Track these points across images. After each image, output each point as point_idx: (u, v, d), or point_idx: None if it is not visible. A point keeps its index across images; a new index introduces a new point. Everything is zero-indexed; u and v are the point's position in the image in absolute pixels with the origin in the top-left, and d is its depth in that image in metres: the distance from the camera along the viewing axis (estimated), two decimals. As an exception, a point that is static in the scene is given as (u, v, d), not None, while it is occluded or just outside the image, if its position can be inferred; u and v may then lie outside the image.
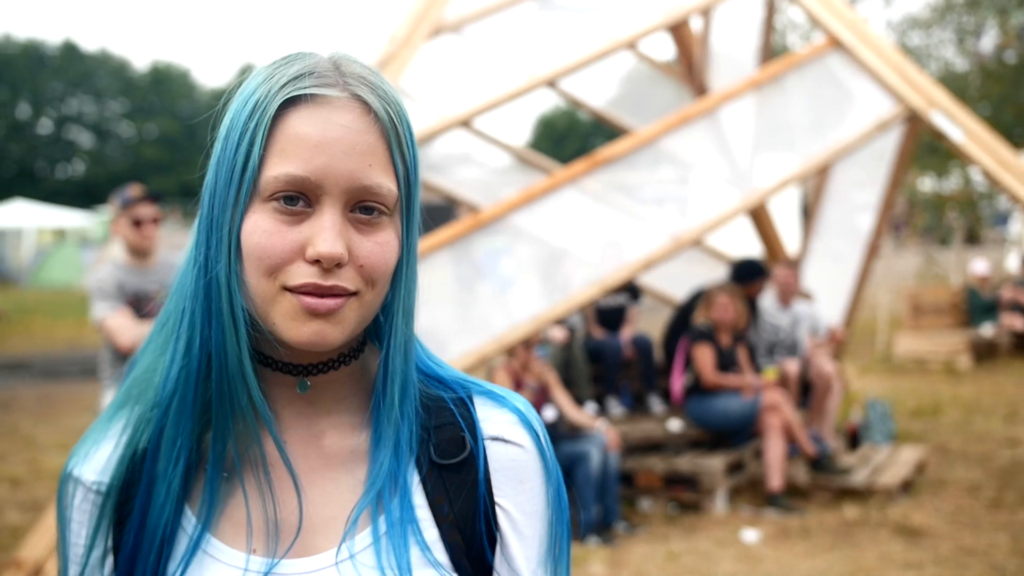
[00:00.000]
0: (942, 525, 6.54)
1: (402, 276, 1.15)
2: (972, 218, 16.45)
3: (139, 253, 5.25)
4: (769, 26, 9.31)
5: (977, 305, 13.83)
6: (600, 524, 6.50)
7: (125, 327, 5.06)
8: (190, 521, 1.12)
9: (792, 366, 7.97)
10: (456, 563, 1.16)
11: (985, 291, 14.02)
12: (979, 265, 14.61)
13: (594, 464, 6.44)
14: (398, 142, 1.11)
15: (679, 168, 8.10)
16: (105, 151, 62.84)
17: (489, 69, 8.76)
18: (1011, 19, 14.57)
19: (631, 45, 8.62)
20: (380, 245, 1.10)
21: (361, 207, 1.09)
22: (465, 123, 8.12)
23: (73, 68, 60.92)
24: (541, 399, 6.84)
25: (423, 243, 6.37)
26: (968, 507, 6.93)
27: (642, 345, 8.65)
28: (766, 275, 8.31)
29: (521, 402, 1.26)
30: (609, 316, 8.88)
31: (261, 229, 1.08)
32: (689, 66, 9.74)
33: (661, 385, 8.51)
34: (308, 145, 1.07)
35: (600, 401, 8.33)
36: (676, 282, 9.51)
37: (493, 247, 7.20)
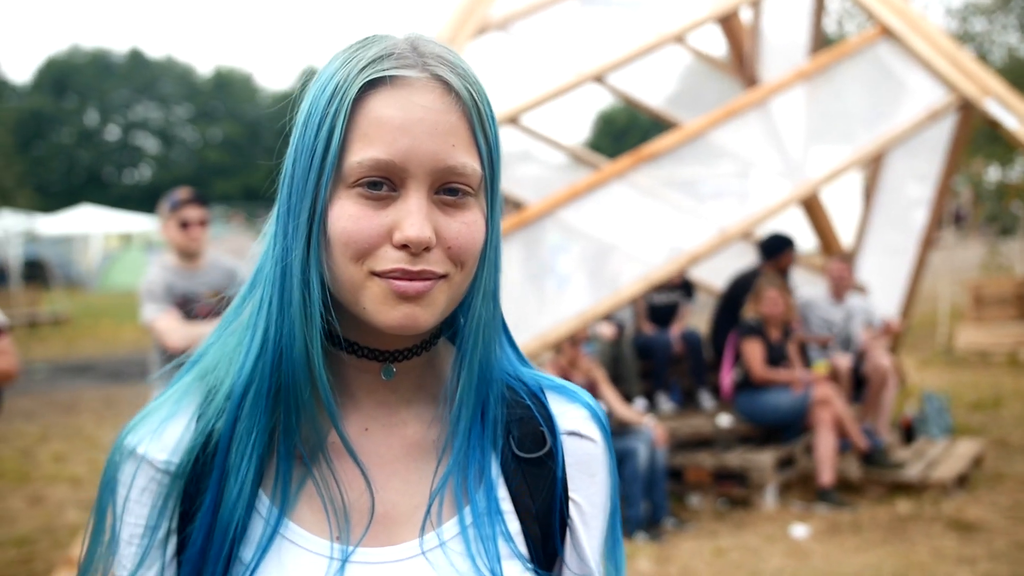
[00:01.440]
0: (998, 520, 6.42)
1: (486, 257, 1.13)
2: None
3: (187, 255, 5.34)
4: (819, 15, 9.21)
5: (1042, 296, 13.56)
6: (648, 520, 6.48)
7: (173, 328, 5.16)
8: (265, 505, 1.11)
9: (843, 360, 7.87)
10: (534, 555, 1.17)
11: (1051, 281, 13.74)
12: (1044, 255, 14.32)
13: (642, 460, 6.43)
14: (480, 121, 1.10)
15: (729, 161, 8.05)
16: (170, 156, 63.86)
17: (536, 66, 8.78)
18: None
19: (679, 39, 8.58)
20: (468, 225, 1.09)
21: (446, 188, 1.08)
22: (513, 120, 8.16)
23: (139, 75, 61.99)
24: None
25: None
26: (1026, 502, 6.80)
27: (692, 340, 8.61)
28: (793, 245, 8.24)
29: (589, 397, 1.27)
30: (661, 312, 8.85)
31: (347, 215, 1.07)
32: (740, 59, 9.67)
33: (711, 380, 8.46)
34: (391, 128, 1.06)
35: (650, 397, 8.31)
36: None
37: (552, 243, 7.21)
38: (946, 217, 26.00)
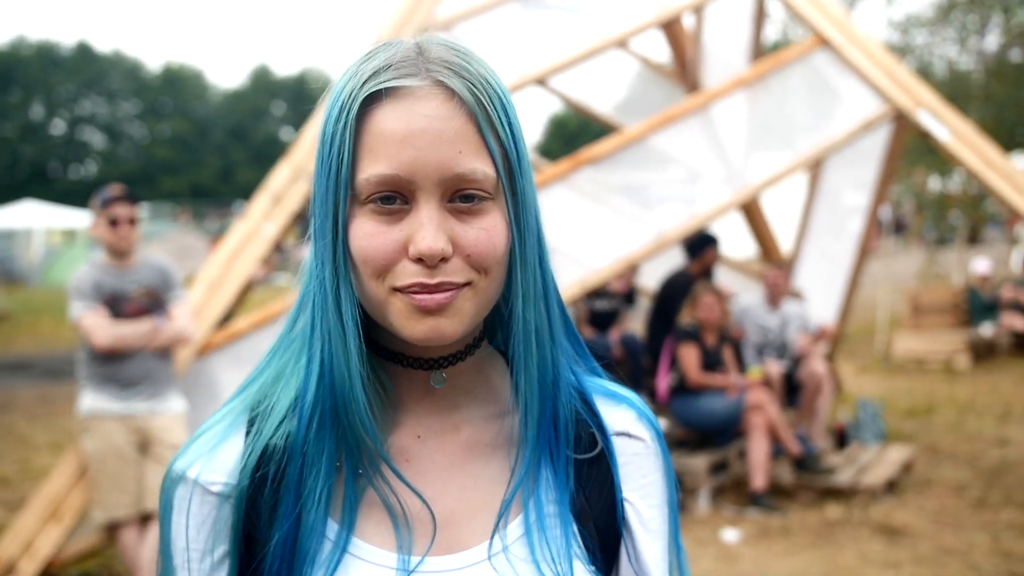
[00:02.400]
0: (924, 524, 6.51)
1: (516, 259, 1.10)
2: (975, 218, 16.36)
3: (117, 253, 5.28)
4: (760, 23, 9.29)
5: (977, 305, 13.77)
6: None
7: (100, 327, 5.10)
8: (330, 527, 1.10)
9: (774, 367, 7.94)
10: (593, 557, 1.16)
11: (986, 291, 13.97)
12: (980, 265, 14.55)
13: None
14: (489, 122, 1.07)
15: (677, 167, 8.10)
16: (118, 152, 63.19)
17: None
18: (1015, 17, 14.51)
19: (622, 43, 8.61)
20: (486, 231, 1.06)
21: (461, 195, 1.06)
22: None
23: (86, 69, 61.24)
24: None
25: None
26: (952, 507, 6.90)
27: (630, 345, 8.65)
28: (715, 243, 8.31)
29: (637, 398, 1.26)
30: (601, 318, 8.88)
31: (363, 232, 1.06)
32: (683, 65, 9.73)
33: (647, 385, 8.50)
34: (394, 141, 1.04)
35: (587, 400, 8.30)
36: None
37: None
38: (887, 226, 26.38)
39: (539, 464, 1.15)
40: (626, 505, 1.20)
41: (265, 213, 6.22)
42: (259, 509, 1.11)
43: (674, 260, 8.84)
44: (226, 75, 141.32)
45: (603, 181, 7.45)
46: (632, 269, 8.48)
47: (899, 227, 28.28)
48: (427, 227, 1.03)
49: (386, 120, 1.04)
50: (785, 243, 9.84)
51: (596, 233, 7.24)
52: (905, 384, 11.84)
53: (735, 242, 10.86)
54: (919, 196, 17.14)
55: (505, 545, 1.12)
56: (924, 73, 14.78)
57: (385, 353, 1.15)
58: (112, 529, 5.26)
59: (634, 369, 8.58)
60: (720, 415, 7.36)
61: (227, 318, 6.37)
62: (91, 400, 5.20)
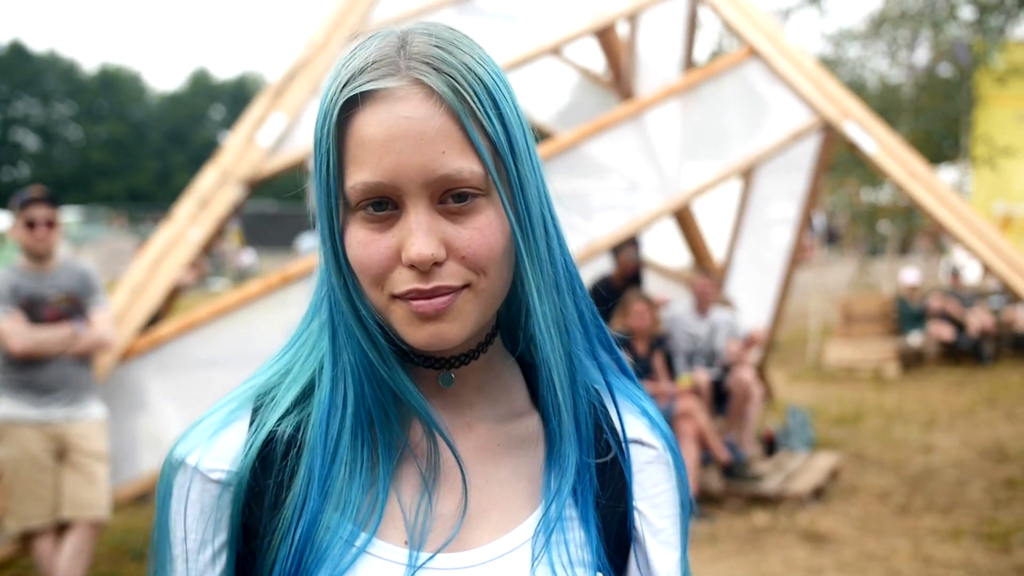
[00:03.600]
0: (848, 531, 6.59)
1: (522, 253, 1.06)
2: (905, 229, 16.64)
3: (35, 256, 5.17)
4: (692, 32, 9.37)
5: (906, 314, 14.00)
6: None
7: (16, 331, 4.99)
8: (342, 523, 1.06)
9: (702, 375, 7.98)
10: (602, 564, 1.13)
11: (914, 300, 14.20)
12: (909, 275, 14.79)
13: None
14: (472, 116, 1.02)
15: (606, 174, 8.13)
16: (52, 154, 62.11)
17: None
18: (943, 33, 14.77)
19: (556, 51, 8.65)
20: (480, 230, 1.02)
21: (452, 195, 1.02)
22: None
23: (20, 70, 60.12)
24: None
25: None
26: (876, 513, 6.99)
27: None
28: (634, 243, 8.33)
29: (651, 403, 1.24)
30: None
31: (356, 241, 1.03)
32: (617, 73, 9.78)
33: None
34: (375, 147, 1.00)
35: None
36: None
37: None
38: (820, 236, 26.74)
39: (556, 465, 1.13)
40: (636, 514, 1.17)
41: (191, 217, 6.13)
42: (261, 499, 1.08)
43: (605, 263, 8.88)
44: (164, 78, 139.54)
45: (556, 190, 7.44)
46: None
47: (832, 237, 28.69)
48: (416, 233, 1.00)
49: (367, 125, 1.01)
50: (718, 251, 9.92)
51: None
52: (835, 392, 11.99)
53: (668, 250, 10.92)
54: (852, 207, 17.38)
55: (518, 546, 1.10)
56: (857, 86, 14.99)
57: (397, 352, 1.12)
58: (27, 539, 5.15)
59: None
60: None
61: (152, 323, 6.27)
62: (6, 407, 5.08)
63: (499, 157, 1.04)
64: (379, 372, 1.08)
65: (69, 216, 33.31)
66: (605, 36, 9.30)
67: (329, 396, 1.09)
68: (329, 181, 1.04)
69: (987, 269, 6.78)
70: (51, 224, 5.20)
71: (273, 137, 6.41)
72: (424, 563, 1.06)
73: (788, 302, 9.80)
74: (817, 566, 5.93)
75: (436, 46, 1.04)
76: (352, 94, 1.01)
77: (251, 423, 1.11)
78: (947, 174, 14.14)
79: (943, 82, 15.04)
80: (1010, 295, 12.88)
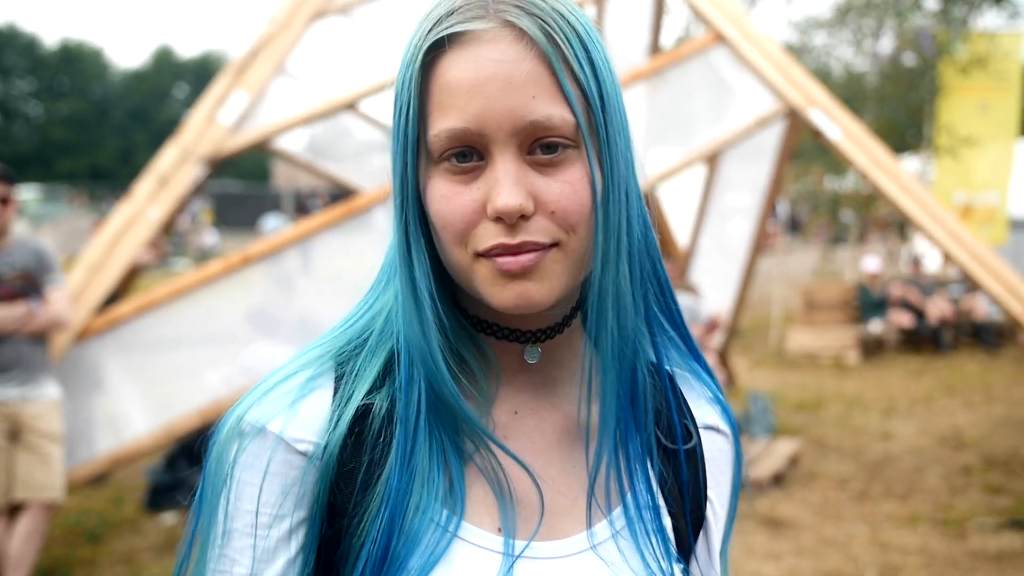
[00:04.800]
0: (807, 517, 6.63)
1: (598, 215, 0.99)
2: (867, 217, 16.75)
3: (-12, 233, 5.08)
4: (659, 18, 9.36)
5: (867, 302, 14.09)
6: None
7: (-32, 309, 4.91)
8: (436, 507, 1.01)
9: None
10: (682, 552, 1.11)
11: (876, 288, 14.31)
12: (870, 263, 14.90)
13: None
14: (564, 61, 0.96)
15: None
16: (12, 131, 61.20)
17: (378, 52, 8.67)
18: (907, 22, 14.85)
19: (523, 34, 8.60)
20: (571, 184, 0.96)
21: (541, 146, 0.96)
22: (351, 106, 8.02)
23: (-22, 44, 59.20)
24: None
25: (303, 227, 6.26)
26: (835, 499, 7.04)
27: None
28: None
29: (719, 387, 1.20)
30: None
31: (439, 195, 0.97)
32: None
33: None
34: (462, 91, 0.95)
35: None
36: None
37: (386, 231, 7.11)
38: (784, 223, 26.88)
39: (629, 448, 1.07)
40: (708, 503, 1.15)
41: (150, 195, 6.04)
42: (352, 477, 1.01)
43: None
44: (127, 55, 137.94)
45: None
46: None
47: (795, 224, 28.85)
48: (503, 182, 0.94)
49: (452, 69, 0.96)
50: (682, 237, 9.93)
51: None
52: (797, 378, 12.06)
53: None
54: (815, 195, 17.48)
55: (610, 534, 1.05)
56: (822, 74, 15.05)
57: (479, 324, 1.07)
58: (-21, 520, 5.07)
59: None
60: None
61: (110, 302, 6.18)
62: (-42, 386, 5.00)
63: (590, 109, 0.98)
64: (416, 356, 1.02)
65: (28, 194, 32.89)
66: (572, 19, 9.26)
67: (406, 370, 1.03)
68: (407, 131, 0.99)
69: (947, 258, 6.82)
70: (5, 201, 5.10)
71: (235, 115, 6.34)
72: (521, 552, 1.01)
73: (751, 289, 9.84)
74: (776, 551, 5.96)
75: None
76: (437, 37, 0.97)
77: (335, 392, 1.04)
78: (910, 163, 14.24)
79: (907, 71, 15.13)
80: (969, 284, 13.02)
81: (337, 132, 9.48)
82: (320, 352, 1.08)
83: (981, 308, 14.04)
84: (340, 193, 14.04)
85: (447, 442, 1.02)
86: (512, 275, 0.96)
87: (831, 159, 13.80)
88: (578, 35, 0.98)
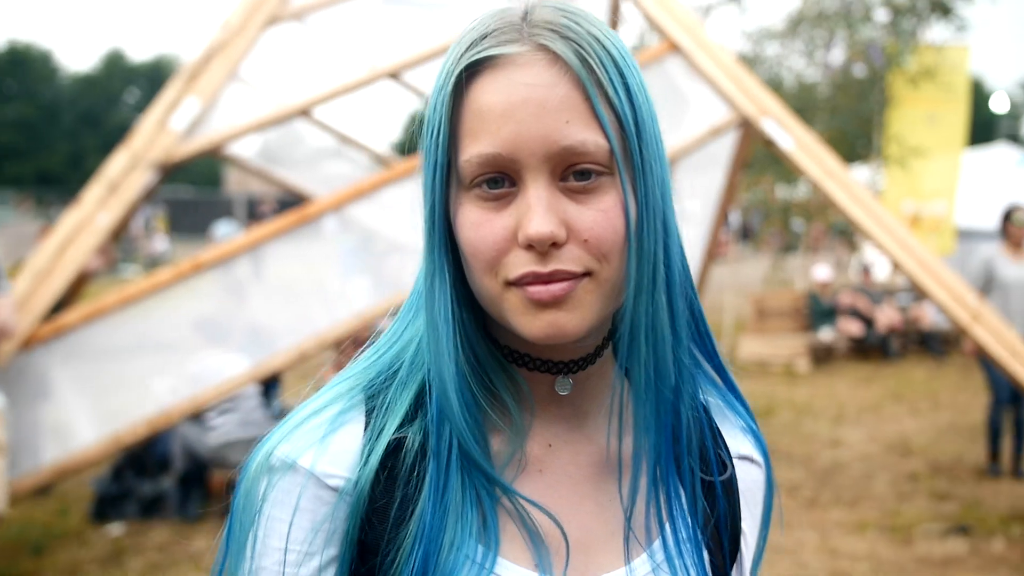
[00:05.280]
0: (758, 524, 6.66)
1: (631, 243, 0.96)
2: (819, 226, 16.92)
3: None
4: (614, 27, 9.36)
5: (817, 310, 14.24)
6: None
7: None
8: (471, 543, 0.98)
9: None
10: None
11: (826, 297, 14.45)
12: (820, 271, 15.05)
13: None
14: (599, 86, 0.94)
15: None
16: (-43, 134, 60.21)
17: (332, 59, 8.64)
18: (858, 34, 15.04)
19: (477, 42, 8.59)
20: (604, 213, 0.94)
21: (574, 172, 0.94)
22: (305, 112, 7.99)
23: (-77, 45, 58.18)
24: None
25: (254, 235, 6.21)
26: (785, 506, 7.07)
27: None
28: None
29: (751, 415, 1.18)
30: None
31: (469, 222, 0.95)
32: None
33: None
34: (494, 116, 0.93)
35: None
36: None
37: (351, 245, 7.09)
38: (735, 232, 27.10)
39: (669, 480, 1.05)
40: (741, 536, 1.13)
41: (99, 201, 5.96)
42: (384, 513, 0.99)
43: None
44: (77, 58, 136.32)
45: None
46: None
47: (747, 233, 29.08)
48: (535, 209, 0.92)
49: (485, 93, 0.95)
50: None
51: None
52: (748, 386, 12.08)
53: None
54: (766, 204, 17.64)
55: (652, 567, 1.03)
56: (775, 84, 15.19)
57: (511, 354, 1.05)
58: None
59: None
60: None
61: (57, 310, 6.09)
62: (-101, 394, 4.90)
63: (624, 135, 0.96)
64: (442, 389, 1.00)
65: (-27, 198, 32.38)
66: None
67: (437, 403, 1.00)
68: (438, 156, 0.97)
69: (896, 267, 6.90)
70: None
71: (187, 121, 6.27)
72: None
73: (703, 297, 9.89)
74: (727, 559, 5.99)
75: (562, 15, 0.98)
76: (470, 60, 0.95)
77: (366, 426, 1.02)
78: (860, 173, 14.40)
79: (857, 82, 15.32)
80: (917, 293, 13.19)
81: (290, 138, 9.42)
82: (350, 385, 1.06)
83: (928, 316, 14.24)
84: (290, 200, 13.94)
85: (479, 477, 1.01)
86: (543, 304, 0.94)
87: (783, 168, 13.92)
88: (613, 60, 0.96)
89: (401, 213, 7.04)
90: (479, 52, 0.95)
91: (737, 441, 1.14)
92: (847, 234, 15.84)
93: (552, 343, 0.96)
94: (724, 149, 8.67)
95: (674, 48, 7.42)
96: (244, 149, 8.82)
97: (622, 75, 0.97)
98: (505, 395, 1.03)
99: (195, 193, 46.74)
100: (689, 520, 1.06)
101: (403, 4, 9.00)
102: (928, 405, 10.84)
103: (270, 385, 8.28)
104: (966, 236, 14.51)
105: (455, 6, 8.90)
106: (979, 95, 40.28)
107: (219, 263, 5.93)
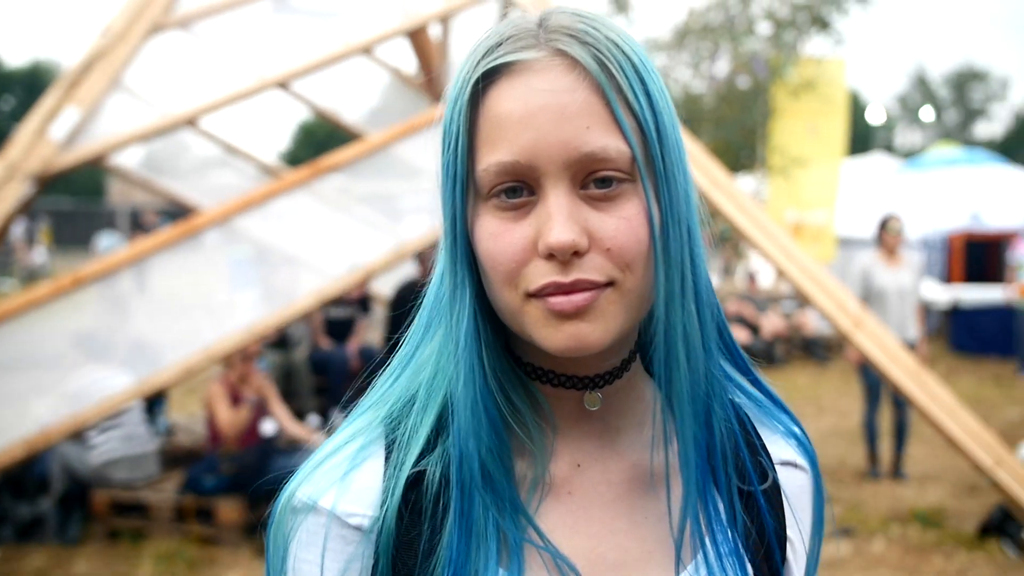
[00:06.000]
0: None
1: (658, 251, 0.93)
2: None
3: None
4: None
5: (706, 318, 14.48)
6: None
7: None
8: (498, 572, 0.95)
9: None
10: None
11: (713, 304, 14.71)
12: (708, 280, 15.31)
13: (309, 477, 6.26)
14: (619, 91, 0.92)
15: (417, 176, 8.08)
16: None
17: (219, 68, 8.48)
18: (742, 47, 15.37)
19: (367, 50, 8.53)
20: (627, 220, 0.91)
21: (595, 180, 0.91)
22: (191, 122, 7.82)
23: None
24: (260, 413, 6.62)
25: (138, 247, 6.05)
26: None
27: (368, 356, 8.57)
28: (437, 244, 8.40)
29: (793, 418, 1.13)
30: (338, 327, 8.73)
31: (488, 232, 0.93)
32: (429, 75, 9.74)
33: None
34: (512, 123, 0.91)
35: (324, 414, 8.19)
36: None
37: (238, 256, 6.96)
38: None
39: (707, 495, 1.01)
40: (788, 544, 1.09)
41: (-27, 213, 5.74)
42: (412, 547, 0.96)
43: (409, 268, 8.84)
44: (7, 52, 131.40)
45: (350, 190, 7.35)
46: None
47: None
48: (555, 217, 0.89)
49: (502, 101, 0.92)
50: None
51: (336, 242, 7.12)
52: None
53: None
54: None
55: None
56: (662, 95, 15.42)
57: (534, 371, 1.01)
58: None
59: (371, 381, 8.49)
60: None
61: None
62: None
63: (646, 141, 0.94)
64: (457, 398, 0.97)
65: None
66: (417, 37, 9.24)
67: (459, 424, 0.98)
68: (456, 167, 0.94)
69: (780, 274, 7.05)
70: None
71: (66, 131, 6.08)
72: None
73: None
74: None
75: (579, 20, 0.95)
76: (487, 68, 0.93)
77: (387, 460, 1.00)
78: (745, 182, 14.73)
79: (742, 94, 15.66)
80: (800, 300, 13.51)
81: (175, 148, 9.22)
82: (369, 419, 1.04)
83: (811, 323, 14.61)
84: (174, 211, 13.62)
85: (502, 504, 0.98)
86: (565, 316, 0.91)
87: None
88: (633, 65, 0.94)
89: (291, 224, 6.95)
90: (495, 59, 0.93)
91: (779, 447, 1.11)
92: (731, 241, 16.17)
93: (575, 355, 0.93)
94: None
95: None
96: (128, 159, 8.60)
97: (642, 80, 0.94)
98: (526, 414, 1.00)
99: (76, 204, 45.42)
100: (729, 533, 1.03)
101: (292, 13, 8.89)
102: (812, 410, 11.11)
103: (155, 401, 8.08)
104: (846, 244, 14.94)
105: (345, 15, 8.84)
106: (856, 108, 41.62)
107: (101, 277, 5.76)
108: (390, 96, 10.55)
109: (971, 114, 69.54)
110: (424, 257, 8.29)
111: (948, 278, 16.18)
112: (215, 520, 6.33)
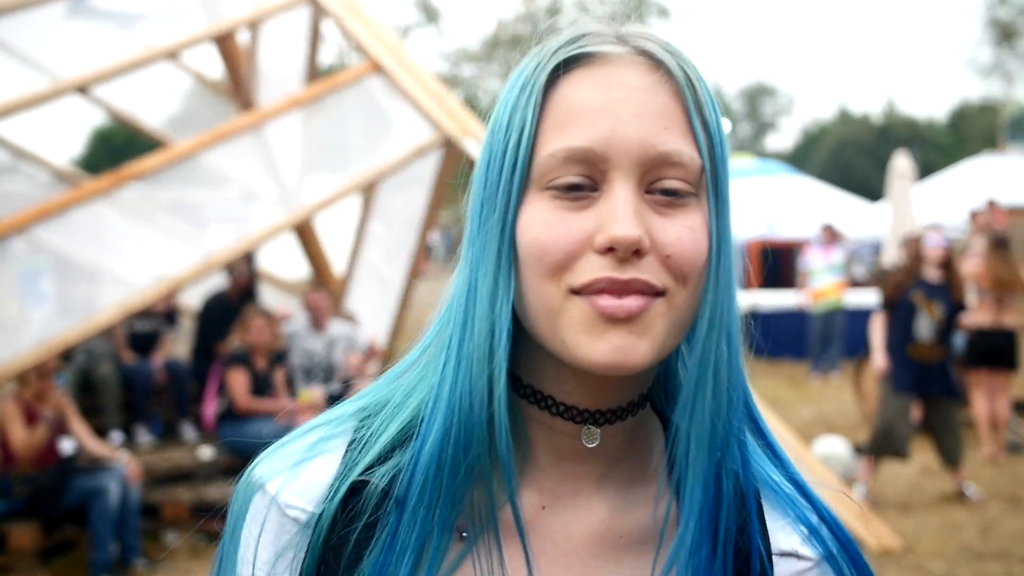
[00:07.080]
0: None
1: (711, 273, 0.88)
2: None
3: None
4: (315, 44, 9.29)
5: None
6: (117, 562, 6.05)
7: None
8: None
9: (317, 392, 7.80)
10: None
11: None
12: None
13: (112, 498, 5.99)
14: (697, 105, 0.88)
15: (234, 186, 7.88)
16: None
17: (11, 71, 8.07)
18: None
19: (172, 55, 8.25)
20: (692, 231, 0.86)
21: (661, 189, 0.86)
22: (-22, 126, 7.40)
23: None
24: (57, 431, 6.28)
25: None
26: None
27: (175, 370, 8.27)
28: (247, 255, 8.23)
29: (818, 506, 0.99)
30: (142, 340, 8.37)
31: (540, 220, 0.86)
32: (237, 82, 9.50)
33: (193, 411, 8.15)
34: (588, 111, 0.86)
35: (128, 430, 7.85)
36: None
37: (32, 267, 6.60)
38: (437, 250, 27.49)
39: (701, 565, 0.90)
40: None
41: None
42: (339, 552, 0.91)
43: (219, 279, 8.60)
44: None
45: (152, 199, 7.09)
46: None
47: (453, 250, 29.56)
48: (622, 210, 0.84)
49: (578, 88, 0.88)
50: (339, 265, 9.87)
51: (141, 252, 6.86)
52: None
53: (287, 262, 10.73)
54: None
55: None
56: (471, 104, 15.55)
57: (530, 394, 0.93)
58: None
59: (178, 395, 8.21)
60: (270, 440, 7.20)
61: None
62: None
63: (713, 158, 0.90)
64: (477, 402, 0.88)
65: None
66: (225, 43, 9.00)
67: (439, 438, 0.89)
68: (519, 154, 0.87)
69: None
70: None
71: None
72: None
73: (407, 314, 9.92)
74: None
75: (659, 35, 0.92)
76: (567, 55, 0.89)
77: (343, 457, 0.94)
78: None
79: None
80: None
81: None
82: (351, 410, 0.99)
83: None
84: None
85: (440, 527, 0.90)
86: (613, 321, 0.84)
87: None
88: (706, 85, 0.91)
89: (92, 234, 6.63)
90: (576, 48, 0.89)
91: (782, 534, 0.98)
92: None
93: (613, 372, 0.85)
94: (427, 169, 8.74)
95: (377, 68, 7.42)
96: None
97: (713, 101, 0.91)
98: (502, 438, 0.90)
99: None
100: None
101: (91, 16, 8.53)
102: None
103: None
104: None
105: (150, 19, 8.56)
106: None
107: None
108: (192, 102, 10.24)
109: (762, 127, 72.84)
110: (235, 269, 8.07)
111: (746, 284, 16.85)
112: (6, 546, 5.99)
